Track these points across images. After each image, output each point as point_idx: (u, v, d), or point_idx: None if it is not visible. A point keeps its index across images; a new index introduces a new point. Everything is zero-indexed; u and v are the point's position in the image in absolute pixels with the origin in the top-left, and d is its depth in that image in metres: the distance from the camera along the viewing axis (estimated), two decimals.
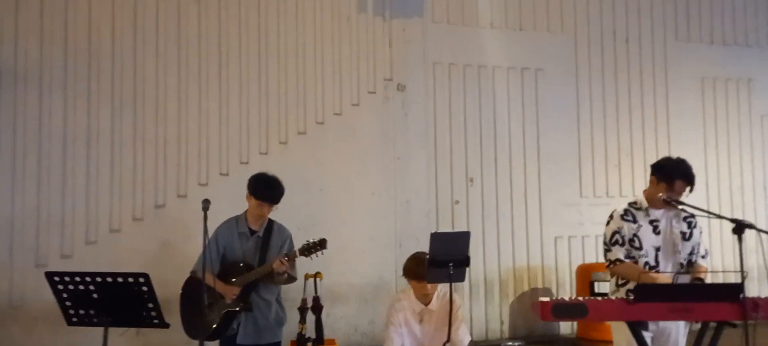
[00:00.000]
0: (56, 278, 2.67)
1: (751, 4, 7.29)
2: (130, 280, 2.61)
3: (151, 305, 2.67)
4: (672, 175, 3.20)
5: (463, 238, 2.81)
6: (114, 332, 2.80)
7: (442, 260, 2.73)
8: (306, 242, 3.37)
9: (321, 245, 3.29)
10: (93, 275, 2.64)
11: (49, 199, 5.10)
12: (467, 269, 2.82)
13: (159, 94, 5.42)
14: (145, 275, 2.61)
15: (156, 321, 2.72)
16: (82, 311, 2.73)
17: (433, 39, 6.19)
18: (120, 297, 2.65)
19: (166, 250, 5.24)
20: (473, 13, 6.34)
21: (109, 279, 2.62)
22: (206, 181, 5.45)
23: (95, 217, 5.19)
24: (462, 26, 6.29)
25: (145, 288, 2.62)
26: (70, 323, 2.77)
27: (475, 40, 6.32)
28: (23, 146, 5.08)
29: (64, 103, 5.19)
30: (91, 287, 2.65)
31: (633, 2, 6.87)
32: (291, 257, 3.27)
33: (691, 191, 3.26)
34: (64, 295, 2.69)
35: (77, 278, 2.64)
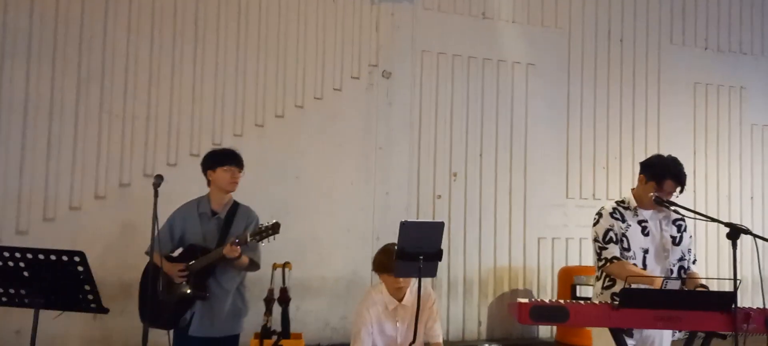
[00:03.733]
0: None
1: (746, 13, 7.18)
2: (65, 259, 2.35)
3: (87, 288, 2.42)
4: (662, 174, 3.01)
5: (436, 229, 2.57)
6: (48, 314, 2.54)
7: (412, 252, 2.49)
8: (259, 226, 3.13)
9: (273, 229, 3.07)
10: (24, 250, 2.38)
11: (5, 172, 4.82)
12: (439, 263, 2.58)
13: (129, 67, 5.14)
14: (81, 254, 2.35)
15: (93, 305, 2.46)
16: (12, 290, 2.46)
17: (422, 26, 5.96)
18: (53, 277, 2.39)
19: (129, 231, 4.96)
20: (466, 2, 6.13)
21: (41, 256, 2.36)
22: (175, 161, 5.18)
23: (54, 193, 4.91)
24: (454, 14, 6.07)
25: (80, 268, 2.36)
26: None
27: (467, 29, 6.10)
28: None
29: (26, 71, 4.90)
30: (21, 265, 2.38)
31: (629, 2, 6.72)
32: (241, 242, 3.03)
33: (681, 192, 3.07)
34: None
35: (6, 253, 2.38)
